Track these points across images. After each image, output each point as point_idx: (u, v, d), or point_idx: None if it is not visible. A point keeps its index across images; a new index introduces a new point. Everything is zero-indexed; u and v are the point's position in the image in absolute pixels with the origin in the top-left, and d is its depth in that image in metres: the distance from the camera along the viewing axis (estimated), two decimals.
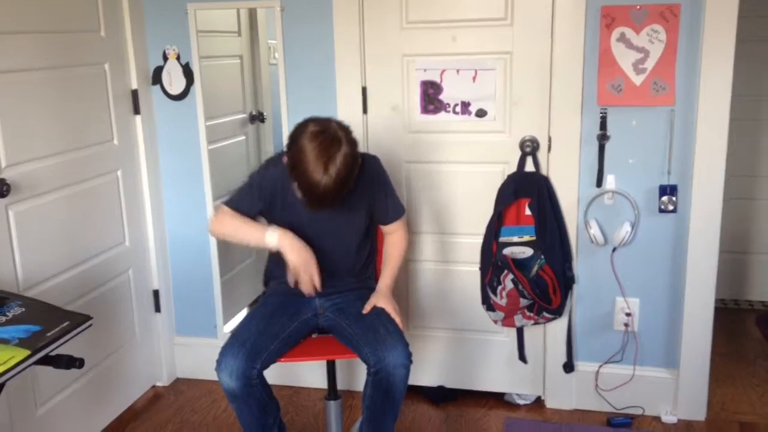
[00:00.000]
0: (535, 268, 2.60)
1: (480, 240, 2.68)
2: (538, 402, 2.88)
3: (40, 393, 2.43)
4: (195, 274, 3.07)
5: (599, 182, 2.59)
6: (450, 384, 2.94)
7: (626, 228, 2.57)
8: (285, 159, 2.07)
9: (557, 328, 2.74)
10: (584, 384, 2.78)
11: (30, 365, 1.63)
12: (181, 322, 3.15)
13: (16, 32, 2.28)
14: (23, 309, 1.84)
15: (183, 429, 2.79)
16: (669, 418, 2.70)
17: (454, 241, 2.79)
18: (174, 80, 2.89)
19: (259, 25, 3.60)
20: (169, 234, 3.07)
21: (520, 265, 2.60)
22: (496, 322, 2.71)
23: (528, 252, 2.62)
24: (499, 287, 2.58)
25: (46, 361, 1.71)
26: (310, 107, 2.73)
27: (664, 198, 2.54)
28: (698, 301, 2.59)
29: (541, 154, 2.61)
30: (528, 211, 2.61)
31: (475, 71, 2.60)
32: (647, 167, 2.56)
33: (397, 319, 2.21)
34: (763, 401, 2.84)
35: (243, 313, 3.42)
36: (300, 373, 3.03)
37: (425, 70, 2.64)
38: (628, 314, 2.68)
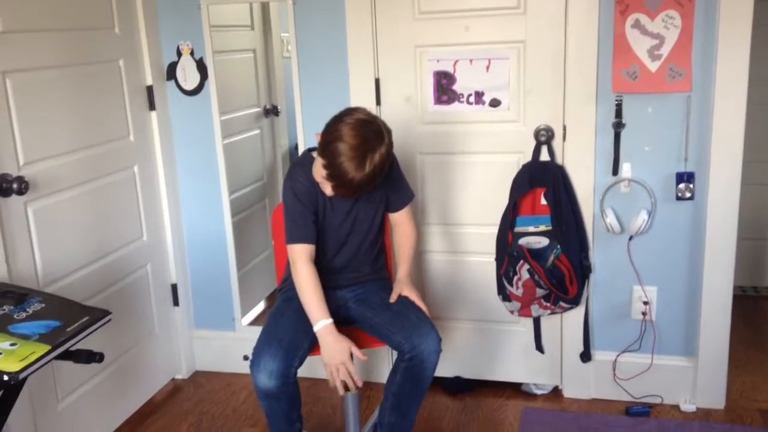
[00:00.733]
0: (551, 258, 2.59)
1: (495, 230, 2.67)
2: (556, 392, 2.87)
3: (61, 387, 2.46)
4: (212, 267, 3.10)
5: (615, 170, 2.57)
6: (467, 374, 2.94)
7: (643, 216, 2.55)
8: (318, 138, 2.06)
9: (574, 317, 2.73)
10: (602, 373, 2.77)
11: (50, 360, 1.65)
12: (200, 316, 3.18)
13: (32, 30, 2.30)
14: (43, 305, 1.86)
15: (202, 421, 2.81)
16: (688, 407, 2.69)
17: (470, 231, 2.78)
18: (188, 75, 2.90)
19: (272, 19, 3.60)
20: (186, 228, 3.09)
21: (536, 255, 2.59)
22: (512, 312, 2.70)
23: (544, 242, 2.61)
24: (515, 277, 2.58)
25: (67, 356, 1.74)
26: (324, 100, 2.74)
27: (681, 185, 2.52)
28: (716, 288, 2.57)
29: (556, 143, 2.60)
30: (543, 201, 2.60)
31: (489, 61, 2.59)
32: (664, 154, 2.53)
33: (423, 307, 2.22)
34: None
35: (260, 306, 3.45)
36: (318, 365, 3.03)
37: (438, 61, 2.63)
38: (645, 303, 2.66)
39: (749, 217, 3.42)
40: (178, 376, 3.16)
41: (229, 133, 3.12)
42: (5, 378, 1.54)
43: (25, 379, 1.60)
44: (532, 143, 2.61)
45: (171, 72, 2.92)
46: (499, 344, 2.87)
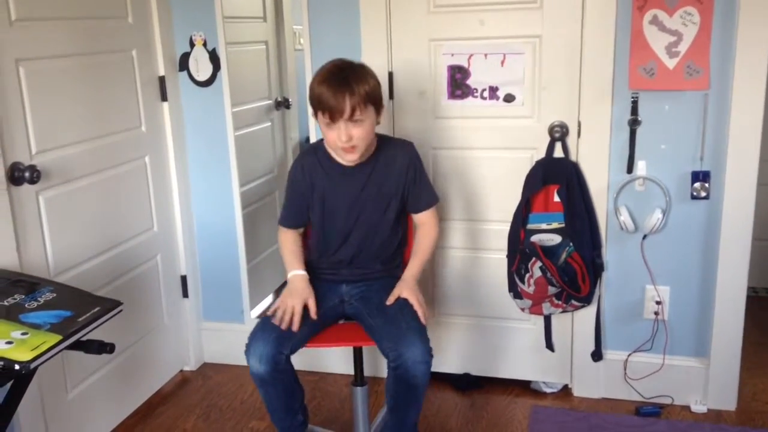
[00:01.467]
0: (564, 256, 2.57)
1: (507, 227, 2.65)
2: (566, 390, 2.86)
3: (71, 377, 2.46)
4: (222, 259, 3.09)
5: (630, 168, 2.55)
6: (476, 371, 2.93)
7: (657, 215, 2.53)
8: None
9: (585, 316, 2.71)
10: (613, 372, 2.76)
11: (61, 350, 1.64)
12: (209, 308, 3.18)
13: (46, 19, 2.29)
14: (54, 294, 1.85)
15: (210, 413, 2.81)
16: (699, 408, 2.67)
17: (481, 228, 2.76)
18: (201, 66, 2.89)
19: (285, 11, 3.59)
20: (196, 220, 3.09)
21: (549, 252, 2.57)
22: (523, 309, 2.68)
23: (556, 239, 2.59)
24: (527, 275, 2.56)
25: (78, 346, 1.73)
26: None
27: (697, 184, 2.50)
28: (730, 288, 2.55)
29: (571, 140, 2.58)
30: (557, 198, 2.58)
31: (504, 55, 2.57)
32: (679, 153, 2.51)
33: (420, 312, 2.16)
34: None
35: (269, 299, 3.44)
36: (326, 360, 3.04)
37: (452, 55, 2.61)
38: (658, 302, 2.64)
39: (763, 217, 3.38)
40: (187, 368, 3.16)
41: (240, 125, 3.11)
42: (16, 367, 1.54)
43: (35, 368, 1.59)
44: (546, 140, 2.58)
45: (183, 63, 2.91)
46: (508, 342, 2.85)
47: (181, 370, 3.15)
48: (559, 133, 2.56)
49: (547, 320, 2.75)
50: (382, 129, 2.64)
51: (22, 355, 1.56)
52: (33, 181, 2.19)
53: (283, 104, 3.69)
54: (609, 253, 2.65)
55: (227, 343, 3.13)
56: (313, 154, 2.28)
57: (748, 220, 2.48)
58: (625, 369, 2.74)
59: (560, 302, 2.61)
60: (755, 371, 2.90)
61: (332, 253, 2.32)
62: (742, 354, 2.62)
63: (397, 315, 2.15)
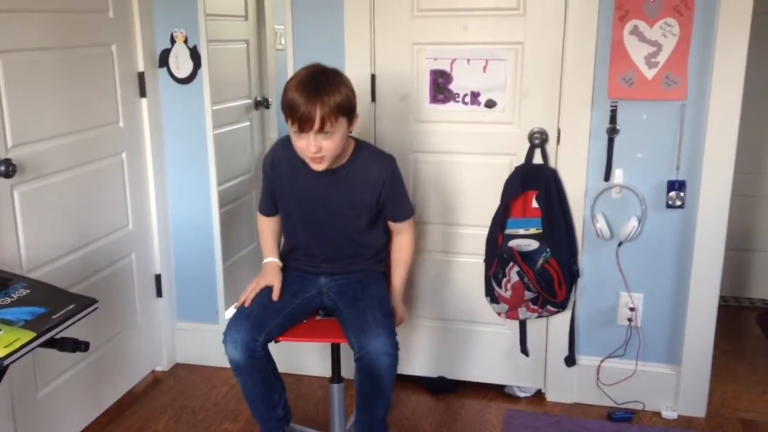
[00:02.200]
0: (541, 261, 2.59)
1: (485, 232, 2.66)
2: (539, 395, 2.88)
3: (41, 376, 2.42)
4: (197, 259, 3.06)
5: (607, 176, 2.58)
6: (451, 375, 2.93)
7: (633, 223, 2.56)
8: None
9: (560, 321, 2.73)
10: (585, 378, 2.78)
11: (35, 348, 1.61)
12: (183, 308, 3.14)
13: (24, 10, 2.25)
14: (28, 291, 1.81)
15: (182, 414, 2.78)
16: (669, 414, 2.70)
17: (460, 232, 2.77)
18: (181, 63, 2.86)
19: (266, 10, 3.57)
20: (172, 218, 3.05)
21: (526, 257, 2.59)
22: (499, 314, 2.70)
23: (534, 245, 2.61)
24: (504, 279, 2.57)
25: (51, 343, 1.69)
26: None
27: (672, 193, 2.53)
28: (702, 297, 2.59)
29: (550, 147, 2.60)
30: (535, 204, 2.60)
31: (486, 61, 2.58)
32: (656, 162, 2.54)
33: (398, 314, 2.27)
34: (763, 399, 2.84)
35: None
36: (302, 361, 3.02)
37: (435, 59, 2.62)
38: (631, 309, 2.67)
39: (734, 227, 3.43)
40: (159, 368, 3.12)
41: (220, 124, 3.08)
42: None
43: (8, 366, 1.56)
44: (526, 146, 2.60)
45: (163, 59, 2.87)
46: (483, 346, 2.87)
47: (153, 371, 3.11)
48: (538, 140, 2.58)
49: (523, 325, 2.76)
50: (363, 131, 2.65)
51: None
52: (8, 175, 2.15)
53: (262, 104, 3.67)
54: (585, 260, 2.67)
55: (201, 343, 3.10)
56: (285, 147, 2.22)
57: (722, 229, 2.52)
58: (597, 374, 2.76)
59: (536, 307, 2.63)
60: (725, 379, 2.95)
61: (302, 247, 2.33)
62: (712, 362, 2.66)
63: (365, 309, 2.17)
